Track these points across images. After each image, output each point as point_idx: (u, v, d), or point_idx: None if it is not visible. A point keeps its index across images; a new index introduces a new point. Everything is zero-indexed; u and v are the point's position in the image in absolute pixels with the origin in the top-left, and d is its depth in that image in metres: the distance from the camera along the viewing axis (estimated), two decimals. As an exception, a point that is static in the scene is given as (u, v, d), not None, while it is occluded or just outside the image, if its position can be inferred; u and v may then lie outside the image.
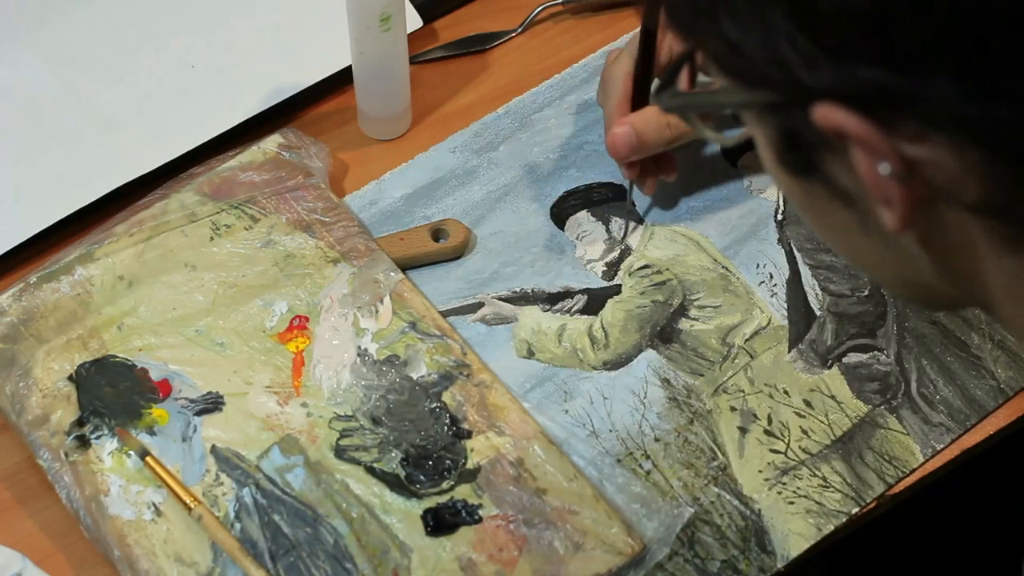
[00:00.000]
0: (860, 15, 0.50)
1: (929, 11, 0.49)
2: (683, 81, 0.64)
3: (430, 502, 0.86)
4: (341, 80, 1.05)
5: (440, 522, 0.85)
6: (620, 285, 0.97)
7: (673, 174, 0.98)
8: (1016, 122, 0.50)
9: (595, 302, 0.96)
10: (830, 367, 0.93)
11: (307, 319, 0.93)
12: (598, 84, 0.99)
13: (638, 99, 0.94)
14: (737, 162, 1.02)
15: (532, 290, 0.96)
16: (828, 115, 0.52)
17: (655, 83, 0.64)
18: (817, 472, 0.88)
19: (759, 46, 0.53)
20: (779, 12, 0.51)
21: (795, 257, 0.98)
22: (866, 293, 0.96)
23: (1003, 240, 0.54)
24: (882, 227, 0.55)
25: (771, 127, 0.57)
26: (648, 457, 0.89)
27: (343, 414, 0.89)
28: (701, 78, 0.65)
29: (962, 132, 0.51)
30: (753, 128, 0.60)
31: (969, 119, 0.50)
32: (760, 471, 0.88)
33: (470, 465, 0.87)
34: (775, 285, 0.96)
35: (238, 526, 0.85)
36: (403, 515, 0.85)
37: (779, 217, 0.99)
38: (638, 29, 0.92)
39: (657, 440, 0.90)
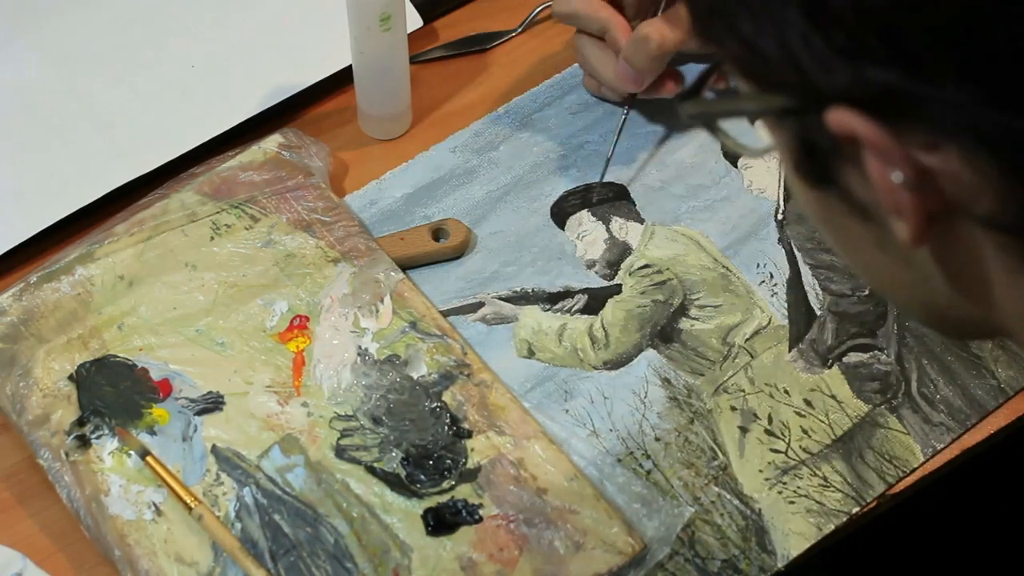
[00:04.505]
0: (873, 14, 0.49)
1: (943, 12, 0.48)
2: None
3: (430, 502, 0.86)
4: (341, 80, 1.05)
5: (440, 522, 0.85)
6: (620, 285, 0.97)
7: (679, 85, 1.00)
8: None
9: (595, 302, 0.96)
10: (830, 367, 0.93)
11: (307, 319, 0.93)
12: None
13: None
14: (737, 162, 1.02)
15: (532, 290, 0.96)
16: (842, 119, 0.51)
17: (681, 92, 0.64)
18: (817, 472, 0.88)
19: (774, 46, 0.52)
20: (793, 9, 0.51)
21: (795, 257, 0.98)
22: (866, 292, 0.96)
23: (1019, 258, 0.53)
24: (898, 244, 0.54)
25: (788, 134, 0.57)
26: (648, 457, 0.89)
27: (343, 414, 0.89)
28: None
29: (976, 141, 0.49)
30: (773, 137, 0.59)
31: (983, 127, 0.49)
32: (760, 471, 0.88)
33: (470, 465, 0.87)
34: (775, 285, 0.96)
35: (238, 526, 0.85)
36: (403, 515, 0.85)
37: (779, 217, 0.99)
38: None
39: (657, 440, 0.90)
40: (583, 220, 1.00)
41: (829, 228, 0.61)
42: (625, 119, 1.02)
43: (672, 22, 0.95)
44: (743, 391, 0.92)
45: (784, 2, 0.51)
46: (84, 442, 0.87)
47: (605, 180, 1.01)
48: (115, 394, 0.90)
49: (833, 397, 0.91)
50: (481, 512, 0.85)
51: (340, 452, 0.87)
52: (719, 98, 0.61)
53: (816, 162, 0.56)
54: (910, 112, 0.50)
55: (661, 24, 0.95)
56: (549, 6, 1.11)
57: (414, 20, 1.07)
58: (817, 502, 0.87)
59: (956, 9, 0.48)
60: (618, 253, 0.98)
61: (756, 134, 0.60)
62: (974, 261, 0.54)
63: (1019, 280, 0.54)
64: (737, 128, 0.59)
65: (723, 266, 0.97)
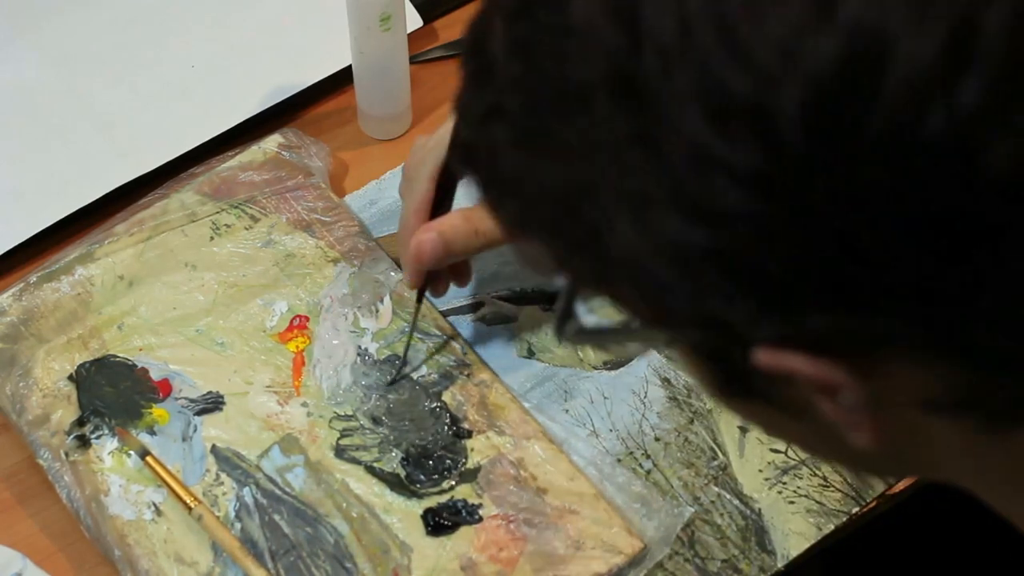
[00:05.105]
0: (809, 268, 0.46)
1: (880, 253, 0.45)
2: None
3: (430, 502, 0.86)
4: (341, 80, 1.05)
5: (440, 522, 0.85)
6: (620, 285, 0.96)
7: (467, 279, 0.92)
8: (994, 334, 0.46)
9: (595, 302, 0.96)
10: (830, 367, 0.93)
11: (307, 319, 0.93)
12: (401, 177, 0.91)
13: (440, 203, 0.87)
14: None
15: (532, 289, 0.96)
16: (773, 359, 0.48)
17: (555, 317, 0.57)
18: (817, 471, 0.88)
19: (685, 305, 0.48)
20: (710, 275, 0.47)
21: (795, 257, 0.97)
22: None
23: (966, 430, 0.50)
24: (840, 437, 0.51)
25: (703, 363, 0.53)
26: (648, 456, 0.89)
27: (343, 414, 0.89)
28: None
29: (929, 352, 0.47)
30: (680, 357, 0.55)
31: (937, 344, 0.47)
32: (760, 470, 0.88)
33: (470, 465, 0.87)
34: (775, 285, 0.96)
35: (238, 526, 0.85)
36: (403, 515, 0.85)
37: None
38: (449, 124, 0.77)
39: (657, 439, 0.90)
40: (583, 220, 1.00)
41: (759, 423, 0.59)
42: (415, 315, 0.92)
43: (465, 220, 0.86)
44: (743, 391, 0.91)
45: (696, 267, 0.47)
46: (84, 442, 0.87)
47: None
48: (115, 394, 0.90)
49: (833, 397, 0.91)
50: (481, 512, 0.85)
51: (340, 452, 0.87)
52: (608, 328, 0.56)
53: (737, 383, 0.52)
54: (856, 345, 0.47)
55: (444, 226, 0.86)
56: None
57: (414, 20, 1.07)
58: (817, 502, 0.87)
59: (897, 250, 0.45)
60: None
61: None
62: (921, 441, 0.52)
63: (965, 447, 0.52)
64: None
65: (723, 266, 0.97)
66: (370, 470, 0.87)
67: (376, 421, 0.89)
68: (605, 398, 0.91)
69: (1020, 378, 0.48)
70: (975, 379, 0.48)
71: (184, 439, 0.88)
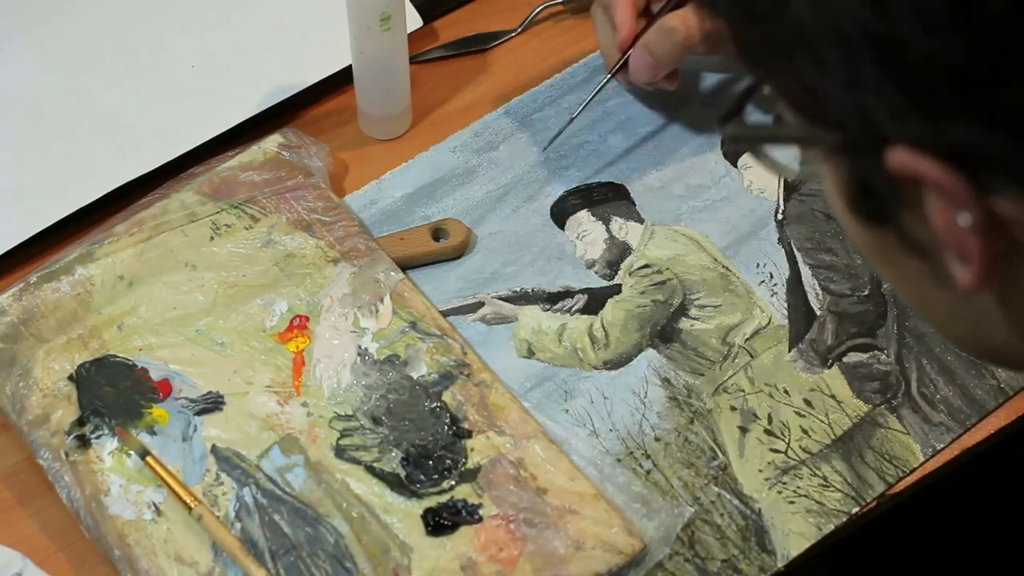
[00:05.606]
0: (954, 69, 0.47)
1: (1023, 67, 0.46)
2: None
3: (430, 502, 0.86)
4: (341, 80, 1.05)
5: (440, 522, 0.85)
6: (620, 285, 0.97)
7: (675, 82, 0.99)
8: None
9: (595, 302, 0.96)
10: (830, 367, 0.93)
11: (307, 319, 0.93)
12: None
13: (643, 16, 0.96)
14: (737, 162, 1.02)
15: (532, 290, 0.96)
16: (905, 161, 0.49)
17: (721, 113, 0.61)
18: (817, 472, 0.88)
19: (839, 92, 0.50)
20: (866, 60, 0.49)
21: (795, 257, 0.98)
22: (866, 293, 0.96)
23: None
24: (958, 282, 0.52)
25: (841, 168, 0.54)
26: (648, 457, 0.89)
27: (343, 414, 0.89)
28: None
29: None
30: (820, 167, 0.56)
31: None
32: (760, 470, 0.88)
33: (470, 465, 0.87)
34: (775, 285, 0.96)
35: (238, 526, 0.85)
36: (403, 515, 0.85)
37: (779, 217, 0.99)
38: None
39: (657, 440, 0.90)
40: (583, 220, 1.00)
41: (881, 263, 0.60)
42: (602, 87, 1.01)
43: (700, 15, 0.92)
44: (743, 391, 0.92)
45: (856, 51, 0.49)
46: (84, 442, 0.87)
47: (604, 180, 1.01)
48: (115, 394, 0.90)
49: (833, 397, 0.91)
50: (481, 512, 0.85)
51: (340, 452, 0.87)
52: (764, 125, 0.59)
53: (871, 199, 0.54)
54: (987, 164, 0.48)
55: (689, 15, 0.93)
56: (549, 6, 1.11)
57: (414, 20, 1.07)
58: (817, 502, 0.87)
59: None
60: (618, 253, 0.98)
61: (797, 157, 0.58)
62: None
63: None
64: (779, 151, 0.58)
65: (723, 266, 0.97)
66: (370, 470, 0.87)
67: (376, 421, 0.89)
68: (605, 398, 0.91)
69: None
70: None
71: (184, 439, 0.88)
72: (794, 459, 0.89)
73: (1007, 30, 0.46)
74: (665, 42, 0.94)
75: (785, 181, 0.99)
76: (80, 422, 0.88)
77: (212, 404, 0.89)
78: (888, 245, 0.56)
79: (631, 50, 0.97)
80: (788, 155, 0.57)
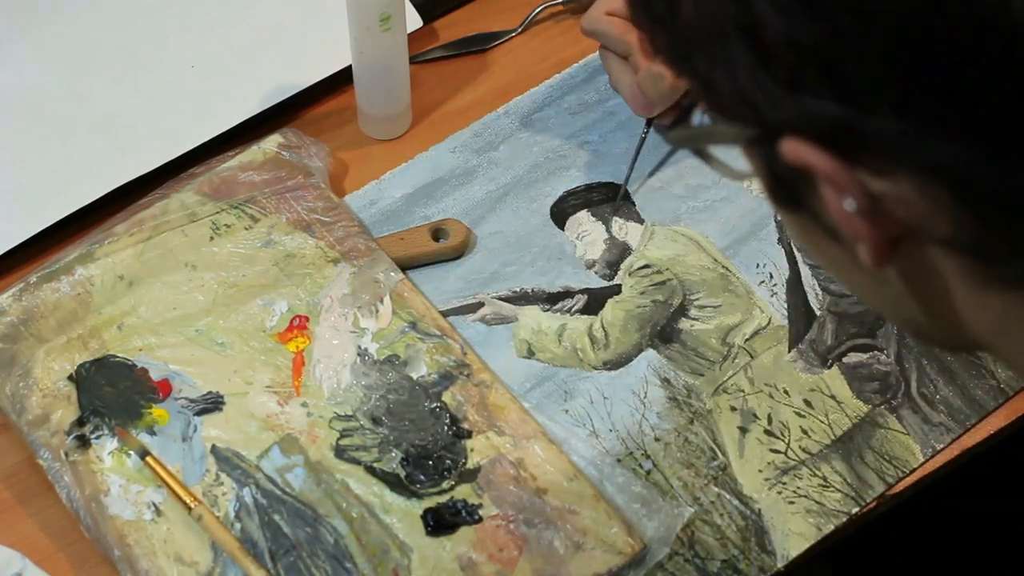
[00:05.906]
0: (808, 47, 0.49)
1: (875, 44, 0.47)
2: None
3: (430, 502, 0.86)
4: (341, 80, 1.05)
5: (440, 522, 0.85)
6: (620, 285, 0.97)
7: (668, 119, 0.99)
8: (975, 161, 0.48)
9: (595, 302, 0.96)
10: (830, 367, 0.93)
11: (307, 319, 0.93)
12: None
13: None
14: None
15: (532, 290, 0.97)
16: (793, 150, 0.51)
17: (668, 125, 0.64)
18: (817, 472, 0.88)
19: (726, 82, 0.52)
20: (739, 47, 0.51)
21: (795, 257, 0.98)
22: (866, 293, 0.96)
23: (984, 279, 0.53)
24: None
25: (758, 160, 0.57)
26: (648, 457, 0.89)
27: (343, 414, 0.89)
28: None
29: (923, 169, 0.49)
30: (749, 162, 0.59)
31: (927, 157, 0.49)
32: (760, 471, 0.88)
33: (470, 465, 0.87)
34: (775, 285, 0.96)
35: (238, 526, 0.85)
36: (403, 515, 0.85)
37: (779, 217, 0.99)
38: None
39: (657, 440, 0.90)
40: (583, 220, 1.00)
41: (808, 247, 0.62)
42: (644, 140, 1.01)
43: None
44: (743, 391, 0.92)
45: (729, 39, 0.51)
46: (84, 442, 0.87)
47: (604, 180, 1.01)
48: (115, 394, 0.90)
49: (833, 397, 0.91)
50: (481, 512, 0.85)
51: (340, 452, 0.88)
52: (703, 126, 0.61)
53: (784, 187, 0.56)
54: (857, 142, 0.50)
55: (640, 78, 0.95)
56: (549, 6, 1.11)
57: (414, 20, 1.07)
58: (817, 502, 0.87)
59: (887, 42, 0.47)
60: (618, 253, 0.98)
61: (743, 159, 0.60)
62: (938, 281, 0.54)
63: (981, 299, 0.54)
64: (726, 153, 0.59)
65: (723, 266, 0.97)
66: (370, 470, 0.87)
67: (376, 421, 0.89)
68: (605, 398, 0.91)
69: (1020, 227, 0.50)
70: (981, 225, 0.50)
71: (184, 439, 0.88)
72: (794, 459, 0.89)
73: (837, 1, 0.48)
74: (653, 86, 0.95)
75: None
76: (80, 422, 0.88)
77: (212, 404, 0.89)
78: (809, 230, 0.58)
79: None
80: (733, 154, 0.59)
